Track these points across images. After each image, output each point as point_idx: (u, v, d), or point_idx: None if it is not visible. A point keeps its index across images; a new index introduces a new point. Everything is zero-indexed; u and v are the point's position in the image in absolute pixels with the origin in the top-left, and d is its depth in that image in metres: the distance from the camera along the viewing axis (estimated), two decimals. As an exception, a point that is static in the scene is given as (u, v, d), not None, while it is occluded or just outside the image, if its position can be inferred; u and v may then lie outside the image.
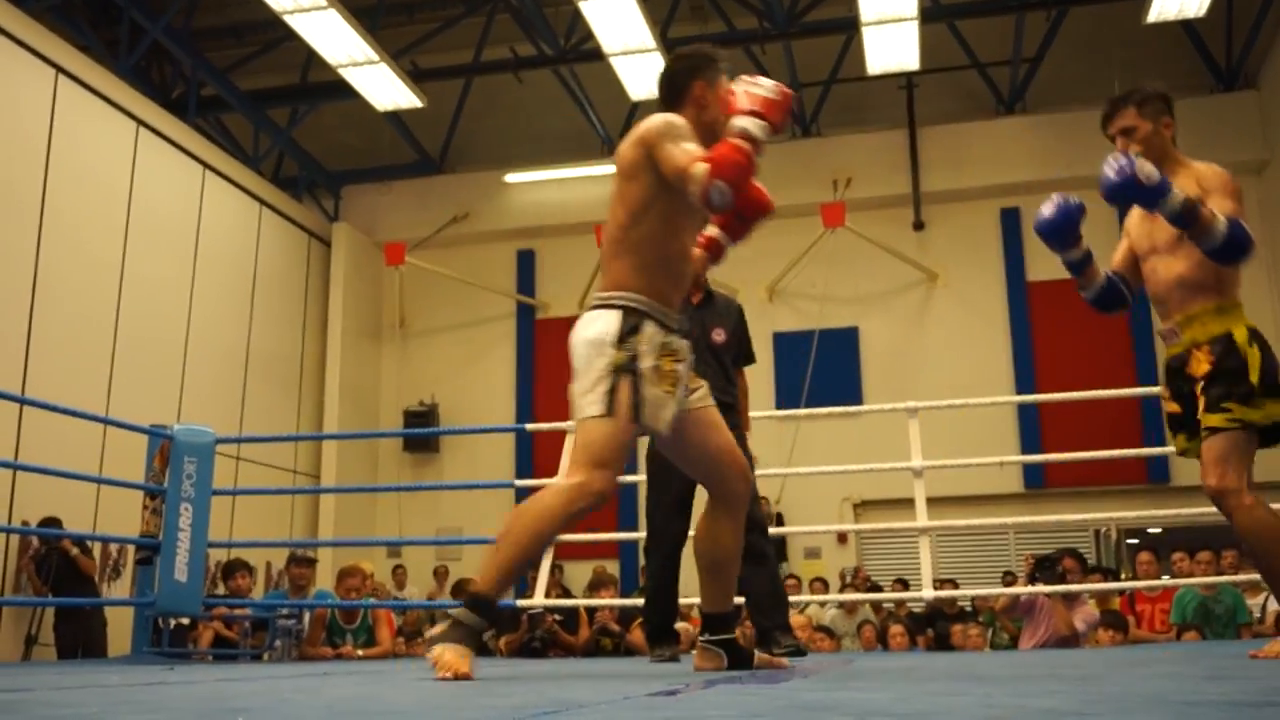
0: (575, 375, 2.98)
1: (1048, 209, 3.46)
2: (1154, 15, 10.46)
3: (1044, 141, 12.59)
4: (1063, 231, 3.46)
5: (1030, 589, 6.77)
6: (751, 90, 2.95)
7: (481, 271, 13.66)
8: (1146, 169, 3.15)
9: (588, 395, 2.91)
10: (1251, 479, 3.22)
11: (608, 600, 7.15)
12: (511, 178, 13.88)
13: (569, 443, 6.63)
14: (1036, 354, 12.22)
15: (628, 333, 2.88)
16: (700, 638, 3.25)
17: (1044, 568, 6.81)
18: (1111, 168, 3.18)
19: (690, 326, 4.14)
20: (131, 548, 7.56)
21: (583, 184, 13.83)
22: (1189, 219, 3.16)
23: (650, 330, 2.90)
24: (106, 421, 7.00)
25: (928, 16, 10.66)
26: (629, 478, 12.18)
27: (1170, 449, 10.70)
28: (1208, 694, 2.00)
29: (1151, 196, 3.17)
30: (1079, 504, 10.55)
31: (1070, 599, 6.71)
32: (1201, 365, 3.33)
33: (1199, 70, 12.47)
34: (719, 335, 4.50)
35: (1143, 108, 3.46)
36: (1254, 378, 3.22)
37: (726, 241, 3.37)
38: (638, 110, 13.21)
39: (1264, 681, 2.28)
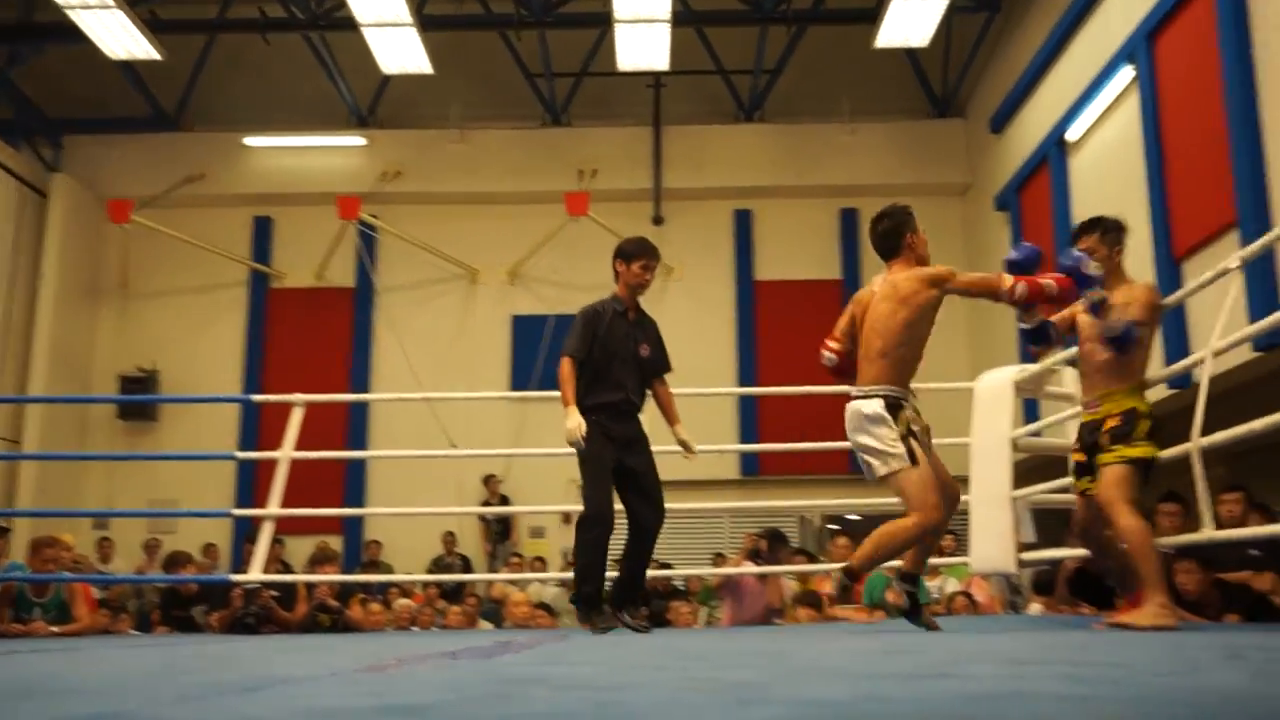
0: (862, 443, 4.17)
1: (1021, 250, 4.26)
2: (881, 41, 11.08)
3: (778, 149, 13.15)
4: (1030, 265, 4.23)
5: (744, 569, 7.08)
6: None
7: (214, 236, 12.94)
8: (1092, 266, 4.12)
9: (887, 455, 4.09)
10: (1138, 498, 4.07)
11: (329, 576, 6.95)
12: (251, 141, 13.25)
13: (297, 415, 6.45)
14: (759, 349, 12.75)
15: (894, 412, 4.10)
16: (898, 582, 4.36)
17: (775, 541, 7.18)
18: (1070, 257, 4.15)
19: (625, 341, 4.96)
20: None
21: (327, 154, 13.36)
22: (1100, 310, 4.18)
23: (907, 408, 4.14)
24: None
25: (678, 20, 10.89)
26: (356, 454, 11.91)
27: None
28: (886, 667, 2.14)
29: (1086, 283, 4.13)
30: (788, 491, 11.10)
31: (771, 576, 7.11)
32: (1111, 425, 4.19)
33: (918, 96, 13.33)
34: (645, 350, 5.05)
35: (1105, 236, 4.30)
36: (1138, 433, 4.09)
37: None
38: (388, 84, 12.89)
39: (938, 656, 2.46)
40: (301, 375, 11.88)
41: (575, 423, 4.72)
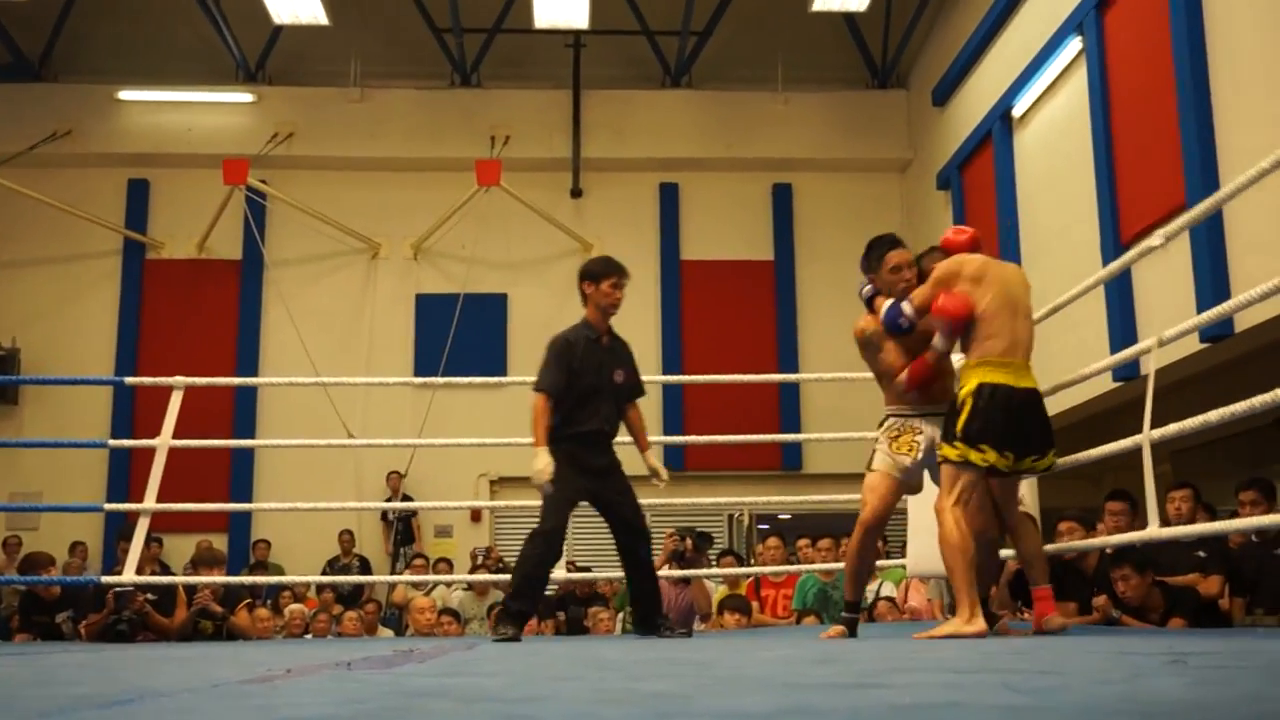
0: None
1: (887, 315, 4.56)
2: (818, 5, 11.18)
3: (706, 118, 13.19)
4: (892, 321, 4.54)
5: (664, 572, 7.13)
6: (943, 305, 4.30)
7: (83, 199, 12.63)
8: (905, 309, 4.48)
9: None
10: (964, 499, 4.25)
11: (213, 578, 6.85)
12: (126, 94, 12.94)
13: (176, 399, 6.35)
14: (685, 334, 12.81)
15: (881, 427, 4.64)
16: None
17: (700, 542, 7.25)
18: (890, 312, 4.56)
19: (600, 369, 5.17)
20: None
21: (211, 111, 13.11)
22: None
23: (889, 423, 4.62)
24: None
25: (600, -26, 10.88)
26: (243, 442, 11.71)
27: (803, 436, 11.40)
28: (812, 676, 2.18)
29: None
30: (715, 487, 11.17)
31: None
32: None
33: (857, 65, 13.46)
34: (619, 376, 5.26)
35: (924, 258, 4.60)
36: (958, 427, 4.25)
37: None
38: (280, 35, 12.67)
39: (869, 665, 2.51)
40: (182, 356, 11.67)
41: (544, 463, 4.89)
